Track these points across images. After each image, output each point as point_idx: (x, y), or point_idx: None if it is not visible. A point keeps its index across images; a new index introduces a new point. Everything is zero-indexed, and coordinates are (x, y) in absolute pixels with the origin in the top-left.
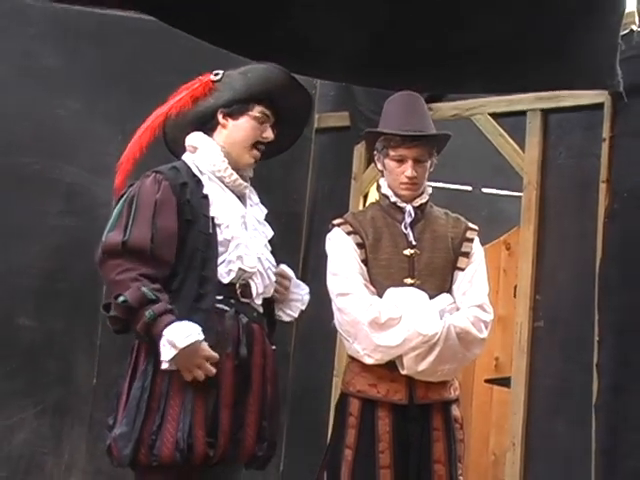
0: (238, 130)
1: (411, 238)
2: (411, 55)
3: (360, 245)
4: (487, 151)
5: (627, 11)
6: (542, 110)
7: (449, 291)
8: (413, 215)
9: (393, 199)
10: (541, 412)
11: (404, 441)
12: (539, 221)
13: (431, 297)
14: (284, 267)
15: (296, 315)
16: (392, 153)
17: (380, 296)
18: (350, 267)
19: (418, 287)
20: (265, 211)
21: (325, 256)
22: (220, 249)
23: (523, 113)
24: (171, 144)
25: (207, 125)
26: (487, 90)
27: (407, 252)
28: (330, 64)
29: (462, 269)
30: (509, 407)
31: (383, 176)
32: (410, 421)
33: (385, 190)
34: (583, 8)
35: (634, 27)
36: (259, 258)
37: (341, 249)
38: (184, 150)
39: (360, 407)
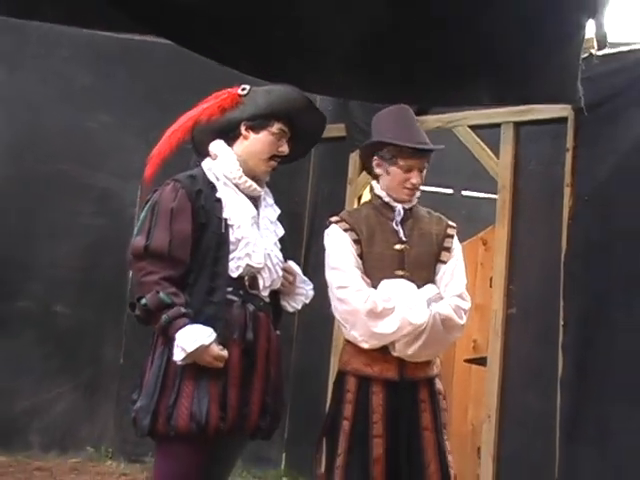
0: (258, 143)
1: (401, 234)
2: (406, 70)
3: (356, 241)
4: (466, 158)
5: (587, 37)
6: (514, 123)
7: (433, 281)
8: (402, 214)
9: (386, 199)
10: (513, 387)
11: (395, 413)
12: (512, 221)
13: (419, 287)
14: (291, 263)
15: (299, 307)
16: (402, 163)
17: (374, 286)
18: (348, 261)
19: (407, 278)
20: (278, 211)
21: (324, 251)
22: (231, 247)
23: (498, 125)
24: (197, 146)
25: (230, 134)
26: (476, 103)
27: (398, 247)
28: (332, 80)
29: (444, 262)
30: (485, 383)
31: (375, 179)
32: (400, 395)
33: (379, 191)
34: (551, 38)
35: (593, 51)
36: (268, 255)
37: (339, 244)
38: (207, 154)
39: (356, 384)
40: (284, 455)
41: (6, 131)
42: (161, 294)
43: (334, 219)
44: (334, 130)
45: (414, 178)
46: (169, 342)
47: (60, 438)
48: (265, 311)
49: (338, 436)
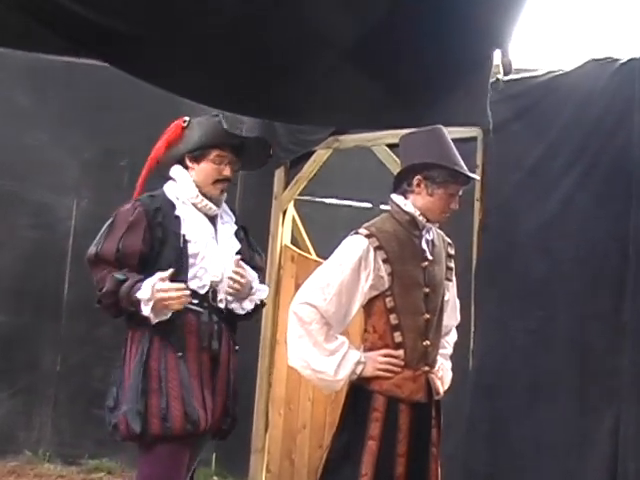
0: (201, 172)
1: (427, 253)
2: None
3: (385, 260)
4: (384, 175)
5: (494, 64)
6: None
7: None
8: (427, 233)
9: (419, 218)
10: None
11: (416, 430)
12: None
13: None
14: (247, 268)
15: (250, 308)
16: (451, 187)
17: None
18: (341, 286)
19: (430, 295)
20: (235, 227)
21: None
22: (190, 260)
23: None
24: (163, 173)
25: (183, 163)
26: (394, 126)
27: (423, 264)
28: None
29: (450, 280)
30: None
31: (401, 194)
32: (423, 414)
33: (409, 208)
34: (462, 66)
35: (499, 76)
36: (225, 268)
37: (354, 262)
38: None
39: (385, 403)
40: (214, 455)
41: None
42: (115, 275)
43: (363, 232)
44: None
45: (455, 204)
46: (145, 341)
47: (1, 442)
48: (225, 322)
49: (361, 457)
